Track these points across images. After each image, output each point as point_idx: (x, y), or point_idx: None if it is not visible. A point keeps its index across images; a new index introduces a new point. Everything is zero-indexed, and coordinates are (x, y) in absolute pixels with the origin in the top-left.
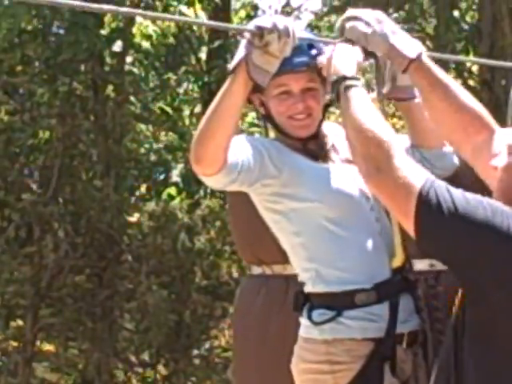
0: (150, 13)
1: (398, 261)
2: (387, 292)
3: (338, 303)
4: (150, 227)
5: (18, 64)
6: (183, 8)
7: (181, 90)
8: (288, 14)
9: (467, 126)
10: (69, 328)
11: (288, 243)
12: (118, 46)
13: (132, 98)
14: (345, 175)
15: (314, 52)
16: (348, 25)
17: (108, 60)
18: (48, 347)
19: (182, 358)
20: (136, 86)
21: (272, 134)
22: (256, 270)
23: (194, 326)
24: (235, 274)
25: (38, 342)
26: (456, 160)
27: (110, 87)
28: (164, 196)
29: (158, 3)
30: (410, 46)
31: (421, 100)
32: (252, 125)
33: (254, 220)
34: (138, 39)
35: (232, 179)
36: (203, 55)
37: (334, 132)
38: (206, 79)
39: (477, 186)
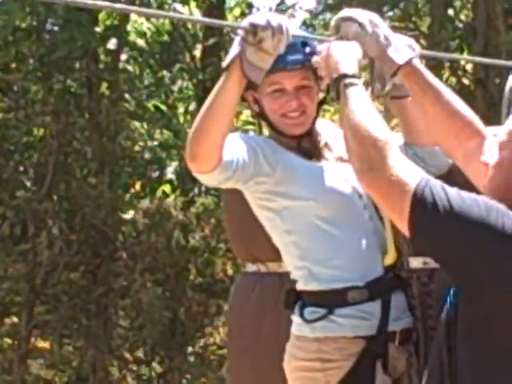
0: (144, 9)
1: (390, 258)
2: (379, 290)
3: (330, 301)
4: (145, 225)
5: (12, 61)
6: (178, 6)
7: (175, 88)
8: (282, 12)
9: (459, 132)
10: (63, 325)
11: (281, 241)
12: (112, 44)
13: (126, 96)
14: (338, 174)
15: (307, 50)
16: (343, 25)
17: (102, 57)
18: (43, 344)
19: (177, 356)
20: (130, 84)
21: (266, 131)
22: (250, 267)
23: (189, 324)
24: (230, 272)
25: (32, 339)
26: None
27: (105, 85)
28: (158, 193)
29: (152, 1)
30: (401, 51)
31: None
32: (247, 123)
33: (249, 218)
34: (132, 37)
35: (227, 177)
36: (198, 53)
37: (327, 130)
38: (200, 77)
39: (471, 184)
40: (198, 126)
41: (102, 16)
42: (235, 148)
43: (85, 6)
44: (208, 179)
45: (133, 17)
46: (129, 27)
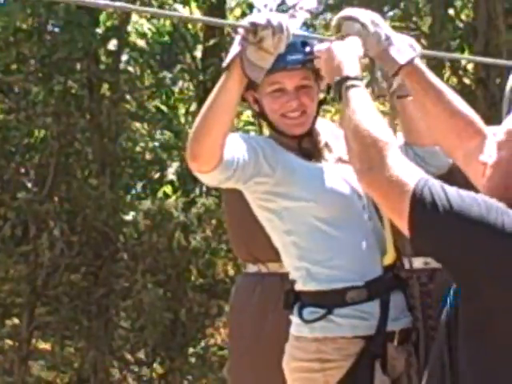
0: (144, 8)
1: (389, 258)
2: (378, 290)
3: (329, 301)
4: (146, 226)
5: (13, 62)
6: (178, 6)
7: (176, 89)
8: (283, 12)
9: (460, 132)
10: (64, 326)
11: (280, 242)
12: (113, 45)
13: (127, 97)
14: (338, 175)
15: (307, 49)
16: (344, 24)
17: (103, 58)
18: (44, 345)
19: (178, 357)
20: (131, 85)
21: (266, 131)
22: (251, 268)
23: (190, 325)
24: (231, 272)
25: (33, 341)
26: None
27: (106, 86)
28: (159, 194)
29: (153, 1)
30: (402, 51)
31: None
32: (248, 123)
33: (249, 218)
34: (133, 38)
35: (228, 176)
36: (198, 53)
37: (327, 129)
38: (201, 77)
39: (471, 184)
40: (199, 125)
41: (102, 17)
42: (236, 148)
43: (85, 5)
44: (209, 179)
45: (133, 18)
46: (129, 28)
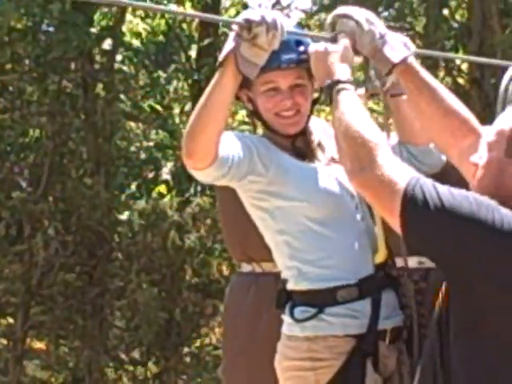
0: (139, 3)
1: (380, 257)
2: (369, 288)
3: (320, 300)
4: (141, 225)
5: (8, 62)
6: (173, 6)
7: (171, 88)
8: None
9: (454, 130)
10: (59, 326)
11: (272, 241)
12: (107, 44)
13: (122, 96)
14: (330, 175)
15: (301, 49)
16: (339, 22)
17: (98, 58)
18: (38, 345)
19: (173, 356)
20: (126, 84)
21: (260, 130)
22: (246, 267)
23: (185, 324)
24: (226, 272)
25: (28, 340)
26: (444, 157)
27: (100, 85)
28: (154, 194)
29: (148, 1)
30: (396, 49)
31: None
32: (242, 123)
33: (244, 217)
34: (127, 37)
35: (223, 173)
36: (193, 53)
37: (320, 128)
38: (195, 77)
39: (465, 182)
40: (194, 122)
41: (97, 17)
42: (230, 145)
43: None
44: (203, 176)
45: (128, 17)
46: (124, 28)
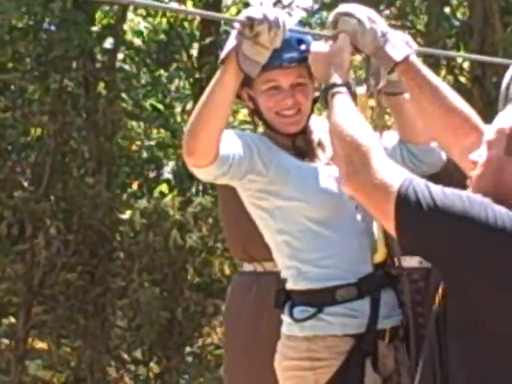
0: (140, 1)
1: (379, 256)
2: (368, 287)
3: (319, 300)
4: (142, 224)
5: (9, 61)
6: (174, 5)
7: (172, 87)
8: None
9: (456, 129)
10: (61, 325)
11: (272, 240)
12: (109, 43)
13: (123, 95)
14: (330, 175)
15: (303, 47)
16: (341, 20)
17: (99, 57)
18: (40, 345)
19: (175, 356)
20: (127, 83)
21: (261, 129)
22: (247, 266)
23: (187, 324)
24: (227, 272)
25: (30, 340)
26: (444, 156)
27: (102, 84)
28: (156, 193)
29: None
30: (398, 47)
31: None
32: (243, 122)
33: (245, 217)
34: (129, 36)
35: (223, 172)
36: (194, 52)
37: (321, 127)
38: (197, 76)
39: (466, 181)
40: (195, 120)
41: (98, 15)
42: (231, 144)
43: None
44: (204, 174)
45: (129, 16)
46: (125, 26)
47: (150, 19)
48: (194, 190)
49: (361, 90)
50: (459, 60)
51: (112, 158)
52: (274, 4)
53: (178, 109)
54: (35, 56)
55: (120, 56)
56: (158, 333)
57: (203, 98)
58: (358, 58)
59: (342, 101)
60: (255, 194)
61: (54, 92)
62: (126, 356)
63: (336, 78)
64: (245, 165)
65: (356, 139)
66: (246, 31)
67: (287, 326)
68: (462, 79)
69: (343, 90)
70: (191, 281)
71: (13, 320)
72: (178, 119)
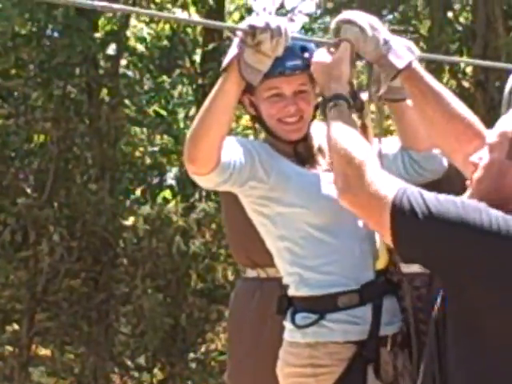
0: (143, 10)
1: (381, 263)
2: (370, 294)
3: (321, 306)
4: (145, 231)
5: (12, 67)
6: (177, 11)
7: (175, 93)
8: (282, 16)
9: (459, 135)
10: (64, 332)
11: (274, 247)
12: (112, 49)
13: (126, 101)
14: (331, 181)
15: (306, 55)
16: (343, 27)
17: (102, 63)
18: (44, 351)
19: (178, 362)
20: (130, 89)
21: (262, 135)
22: (250, 272)
23: (190, 330)
24: (231, 277)
25: (33, 347)
26: (445, 162)
27: (105, 90)
28: (159, 199)
29: (152, 6)
30: (401, 55)
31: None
32: (247, 128)
33: (248, 222)
34: (132, 42)
35: (224, 179)
36: (197, 58)
37: (320, 132)
38: (200, 82)
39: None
40: (197, 127)
41: (101, 22)
42: (232, 150)
43: (82, 7)
44: (205, 181)
45: (132, 22)
46: (128, 33)
47: (153, 25)
48: (197, 195)
49: (363, 97)
50: (462, 65)
51: (115, 164)
52: (277, 9)
53: (181, 115)
54: (38, 63)
55: (123, 62)
56: (162, 339)
57: (205, 105)
58: (360, 63)
59: (337, 114)
60: (256, 201)
61: (57, 98)
62: (129, 362)
63: (334, 91)
64: (246, 172)
65: (350, 153)
66: (248, 39)
67: (289, 332)
68: (465, 84)
69: (340, 102)
70: (194, 287)
71: (16, 327)
72: (181, 125)
